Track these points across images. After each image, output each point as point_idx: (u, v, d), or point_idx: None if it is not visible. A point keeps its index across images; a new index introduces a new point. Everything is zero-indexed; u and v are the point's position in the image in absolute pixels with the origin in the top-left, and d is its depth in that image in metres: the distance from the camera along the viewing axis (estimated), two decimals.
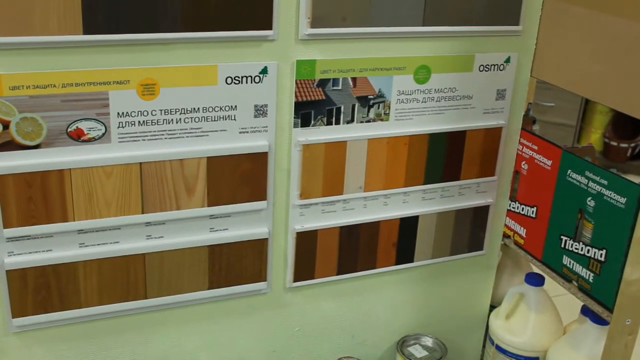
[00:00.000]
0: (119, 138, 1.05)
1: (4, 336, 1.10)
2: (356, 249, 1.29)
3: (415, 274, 1.38)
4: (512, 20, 1.24)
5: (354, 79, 1.16)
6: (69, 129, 1.02)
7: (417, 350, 1.37)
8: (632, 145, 3.24)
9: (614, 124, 3.26)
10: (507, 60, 1.27)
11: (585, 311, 1.30)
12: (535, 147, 1.34)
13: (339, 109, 1.18)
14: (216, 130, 1.10)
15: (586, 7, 1.22)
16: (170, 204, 1.11)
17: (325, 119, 1.17)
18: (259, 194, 1.17)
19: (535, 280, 1.35)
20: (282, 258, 1.24)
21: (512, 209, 1.41)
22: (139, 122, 1.05)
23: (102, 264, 1.11)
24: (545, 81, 1.33)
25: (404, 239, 1.32)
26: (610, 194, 1.17)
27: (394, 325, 1.41)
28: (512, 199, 1.41)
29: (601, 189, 1.19)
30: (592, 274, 1.22)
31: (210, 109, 1.09)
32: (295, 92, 1.14)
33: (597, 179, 1.20)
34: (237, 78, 1.09)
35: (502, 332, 1.37)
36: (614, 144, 3.21)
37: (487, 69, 1.26)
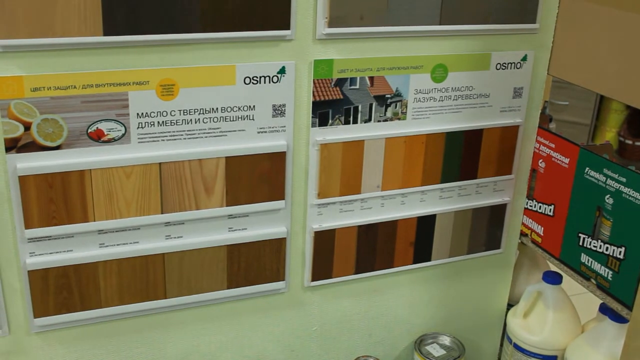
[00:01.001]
0: (138, 138, 1.06)
1: (26, 336, 1.11)
2: (374, 248, 1.29)
3: (433, 272, 1.38)
4: (529, 18, 1.24)
5: (371, 78, 1.17)
6: (89, 130, 1.02)
7: (434, 349, 1.37)
8: None
9: (629, 123, 3.23)
10: (524, 59, 1.27)
11: (604, 309, 1.29)
12: (553, 145, 1.34)
13: (356, 108, 1.18)
14: (235, 130, 1.11)
15: (603, 4, 1.21)
16: (189, 203, 1.12)
17: (342, 119, 1.17)
18: (277, 193, 1.17)
19: (553, 278, 1.35)
20: (300, 257, 1.25)
21: (530, 207, 1.41)
22: (159, 122, 1.06)
23: (122, 264, 1.12)
24: (563, 79, 1.32)
25: (421, 237, 1.32)
26: (629, 191, 1.17)
27: (412, 324, 1.41)
28: (530, 197, 1.40)
29: (620, 187, 1.19)
30: (611, 272, 1.22)
31: (229, 109, 1.09)
32: (313, 92, 1.14)
33: (616, 176, 1.19)
34: (255, 78, 1.09)
35: (520, 330, 1.37)
36: (629, 142, 3.19)
37: (504, 67, 1.26)
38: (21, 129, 0.99)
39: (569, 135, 1.35)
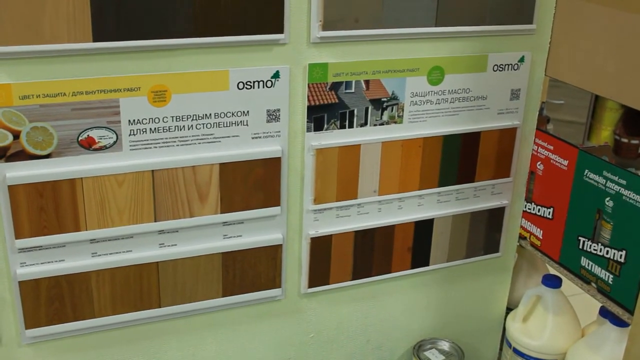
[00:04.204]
0: (130, 146, 1.04)
1: (18, 347, 1.09)
2: (371, 253, 1.27)
3: (431, 277, 1.36)
4: (525, 18, 1.23)
5: (366, 82, 1.15)
6: (80, 138, 1.00)
7: (433, 355, 1.36)
8: None
9: (624, 121, 3.23)
10: (521, 60, 1.26)
11: (605, 313, 1.28)
12: (551, 147, 1.32)
13: (352, 112, 1.16)
14: (228, 136, 1.09)
15: (600, 4, 1.20)
16: (183, 211, 1.10)
17: (338, 123, 1.16)
18: (273, 199, 1.15)
19: (552, 282, 1.34)
20: (296, 264, 1.23)
21: (528, 210, 1.39)
22: (151, 129, 1.04)
23: (115, 274, 1.10)
24: (560, 80, 1.31)
25: (419, 242, 1.30)
26: (630, 193, 1.15)
27: (410, 329, 1.39)
28: (528, 200, 1.39)
29: (620, 189, 1.17)
30: (611, 276, 1.20)
31: (222, 115, 1.08)
32: (308, 96, 1.12)
33: (616, 178, 1.18)
34: (248, 83, 1.07)
35: (519, 334, 1.36)
36: (625, 140, 3.18)
37: (501, 69, 1.25)
38: (10, 137, 0.97)
39: (564, 135, 1.33)
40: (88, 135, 1.01)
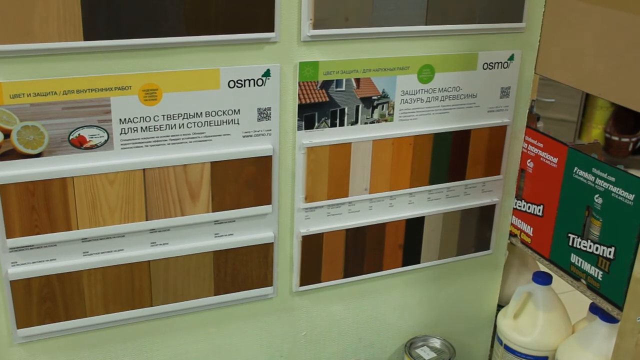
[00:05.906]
0: (121, 145, 1.04)
1: (9, 347, 1.09)
2: (362, 251, 1.27)
3: (422, 275, 1.37)
4: (515, 17, 1.23)
5: (357, 80, 1.15)
6: (71, 137, 1.00)
7: (425, 352, 1.36)
8: (634, 139, 3.23)
9: (614, 119, 3.25)
10: (511, 58, 1.26)
11: (595, 309, 1.29)
12: (541, 145, 1.33)
13: (342, 111, 1.16)
14: (219, 135, 1.09)
15: (590, 2, 1.21)
16: (174, 210, 1.10)
17: (329, 121, 1.16)
18: (264, 198, 1.16)
19: (542, 279, 1.34)
20: (288, 262, 1.23)
21: (519, 208, 1.40)
22: (142, 128, 1.04)
23: (106, 272, 1.10)
24: (550, 78, 1.31)
25: (410, 240, 1.31)
26: (619, 190, 1.16)
27: (402, 327, 1.40)
28: (518, 197, 1.39)
29: (609, 186, 1.18)
30: (601, 272, 1.21)
31: (213, 113, 1.08)
32: (299, 95, 1.12)
33: (605, 175, 1.19)
34: (239, 81, 1.08)
35: (510, 331, 1.36)
36: (615, 138, 3.21)
37: (491, 67, 1.25)
38: (1, 136, 0.97)
39: (555, 133, 1.34)
40: (79, 134, 1.01)
